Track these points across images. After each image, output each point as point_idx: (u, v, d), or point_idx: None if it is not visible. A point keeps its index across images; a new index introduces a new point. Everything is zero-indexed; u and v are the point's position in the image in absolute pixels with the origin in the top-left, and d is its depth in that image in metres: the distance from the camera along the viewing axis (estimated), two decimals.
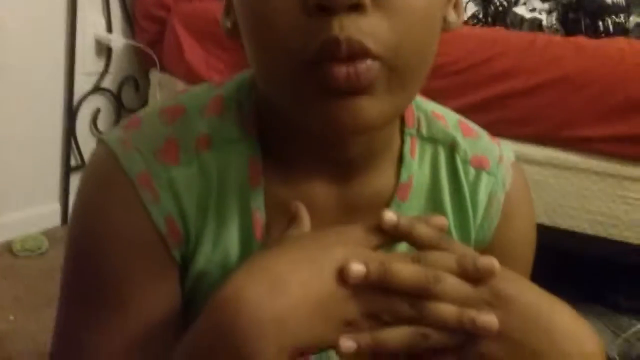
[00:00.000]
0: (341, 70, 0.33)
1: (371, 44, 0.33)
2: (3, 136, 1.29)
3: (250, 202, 0.43)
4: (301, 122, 0.39)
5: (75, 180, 1.48)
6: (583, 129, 1.12)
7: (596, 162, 1.13)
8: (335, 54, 0.33)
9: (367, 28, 0.33)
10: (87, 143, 1.49)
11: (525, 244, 0.52)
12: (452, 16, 0.41)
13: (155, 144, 0.41)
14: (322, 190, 0.44)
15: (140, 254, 0.41)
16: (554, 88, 1.14)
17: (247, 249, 0.43)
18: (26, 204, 1.39)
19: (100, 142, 0.42)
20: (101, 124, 1.53)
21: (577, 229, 1.16)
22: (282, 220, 0.41)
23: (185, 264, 0.43)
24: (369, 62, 0.34)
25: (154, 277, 0.41)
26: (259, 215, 0.43)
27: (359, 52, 0.33)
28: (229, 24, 0.42)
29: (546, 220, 1.15)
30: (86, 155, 1.50)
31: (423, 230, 0.37)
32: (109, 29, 1.48)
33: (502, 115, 1.18)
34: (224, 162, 0.42)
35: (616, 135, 1.11)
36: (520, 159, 1.20)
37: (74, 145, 1.46)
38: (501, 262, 0.36)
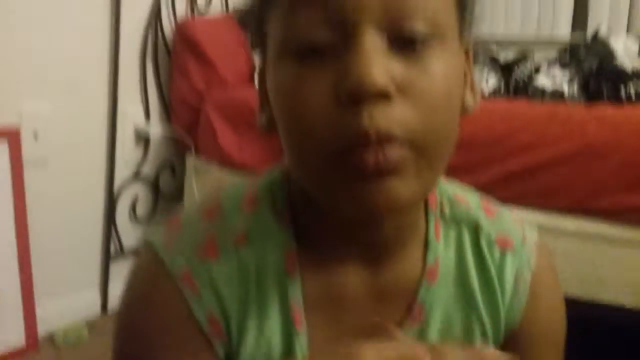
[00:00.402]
0: (370, 157, 0.36)
1: (398, 131, 0.36)
2: (44, 225, 1.34)
3: (288, 292, 0.45)
4: (334, 206, 0.41)
5: (115, 268, 1.52)
6: (610, 198, 1.12)
7: (629, 232, 1.12)
8: (365, 144, 0.36)
9: (394, 116, 0.36)
10: (126, 230, 1.55)
11: (555, 322, 0.53)
12: (469, 99, 0.45)
13: (196, 243, 0.44)
14: (354, 276, 0.46)
15: (183, 349, 0.43)
16: (578, 158, 1.14)
17: (289, 340, 0.45)
18: (66, 293, 1.43)
19: (146, 243, 0.46)
20: (139, 210, 1.59)
21: (617, 302, 1.13)
22: (319, 308, 0.44)
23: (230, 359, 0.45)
24: (396, 146, 0.36)
25: None
26: (297, 305, 0.45)
27: (387, 140, 0.36)
28: (264, 119, 0.46)
29: (583, 294, 1.13)
30: (126, 243, 1.55)
31: None
32: (147, 117, 1.57)
33: (530, 187, 1.19)
34: (261, 255, 0.45)
35: None
36: (551, 231, 1.20)
37: (114, 233, 1.52)
38: (532, 343, 0.36)
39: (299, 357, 0.44)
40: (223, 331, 0.44)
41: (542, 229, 0.55)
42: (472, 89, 0.45)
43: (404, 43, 0.37)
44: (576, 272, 1.15)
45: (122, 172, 1.52)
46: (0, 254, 1.24)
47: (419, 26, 0.37)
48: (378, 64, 0.36)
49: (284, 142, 0.41)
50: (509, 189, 1.20)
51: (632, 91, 1.49)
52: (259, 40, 0.45)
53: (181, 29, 1.57)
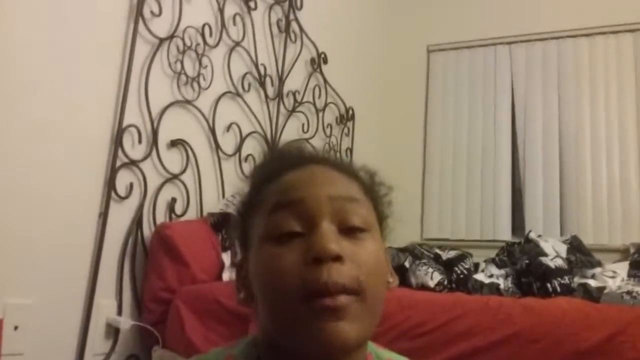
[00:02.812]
0: (327, 302, 0.53)
1: (347, 282, 0.54)
2: None
3: None
4: (297, 345, 0.55)
5: None
6: None
7: None
8: (324, 293, 0.53)
9: (344, 272, 0.54)
10: None
11: None
12: (390, 280, 0.64)
13: None
14: None
15: None
16: (509, 344, 1.29)
17: None
18: None
19: None
20: None
21: None
22: None
23: None
24: (345, 296, 0.54)
25: None
26: None
27: (340, 290, 0.53)
28: (242, 295, 0.63)
29: None
30: None
31: None
32: (120, 312, 1.68)
33: None
34: None
35: None
36: None
37: None
38: None
39: None
40: None
41: None
42: (392, 275, 0.66)
43: (348, 231, 0.58)
44: None
45: None
46: None
47: (357, 222, 0.59)
48: (332, 239, 0.56)
49: (262, 300, 0.58)
50: None
51: (558, 286, 1.69)
52: (243, 239, 0.65)
53: (158, 231, 1.76)
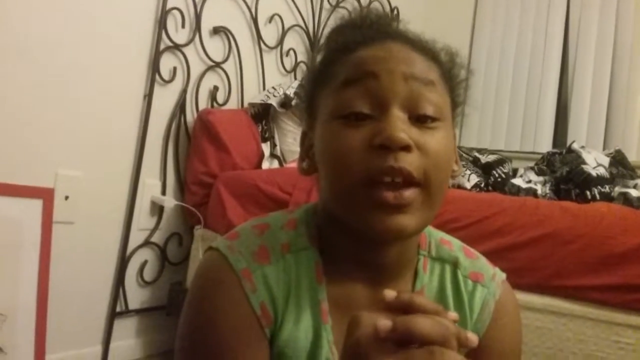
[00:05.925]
0: (390, 194, 0.52)
1: (414, 171, 0.53)
2: (60, 279, 1.46)
3: (318, 295, 0.59)
4: (357, 227, 0.55)
5: (118, 325, 1.62)
6: (572, 279, 1.25)
7: (589, 309, 1.24)
8: (392, 179, 0.52)
9: (412, 161, 0.53)
10: (132, 291, 1.67)
11: (512, 343, 0.67)
12: (455, 167, 0.62)
13: (252, 248, 0.58)
14: (361, 290, 0.61)
15: (242, 330, 0.55)
16: (543, 243, 1.29)
17: (318, 330, 0.58)
18: (69, 346, 1.51)
19: (211, 248, 0.60)
20: (147, 274, 1.71)
21: None
22: (337, 308, 0.59)
23: (273, 340, 0.57)
24: (411, 189, 0.53)
25: (252, 348, 0.56)
26: (324, 305, 0.59)
27: (406, 178, 0.52)
28: (305, 166, 0.63)
29: None
30: (131, 303, 1.66)
31: (422, 300, 0.43)
32: (164, 192, 1.74)
33: (503, 266, 1.31)
34: (299, 263, 0.60)
35: (603, 285, 1.23)
36: (522, 307, 1.36)
37: (121, 293, 1.63)
38: (491, 354, 0.53)
39: (325, 341, 0.58)
40: (271, 316, 0.57)
41: None
42: (457, 162, 0.64)
43: (419, 119, 0.56)
44: (544, 345, 1.26)
45: (135, 237, 1.66)
46: (21, 307, 1.33)
47: (429, 111, 0.56)
48: (402, 128, 0.54)
49: (323, 178, 0.58)
50: None
51: (597, 195, 1.67)
52: (309, 110, 0.63)
53: (201, 117, 1.79)
